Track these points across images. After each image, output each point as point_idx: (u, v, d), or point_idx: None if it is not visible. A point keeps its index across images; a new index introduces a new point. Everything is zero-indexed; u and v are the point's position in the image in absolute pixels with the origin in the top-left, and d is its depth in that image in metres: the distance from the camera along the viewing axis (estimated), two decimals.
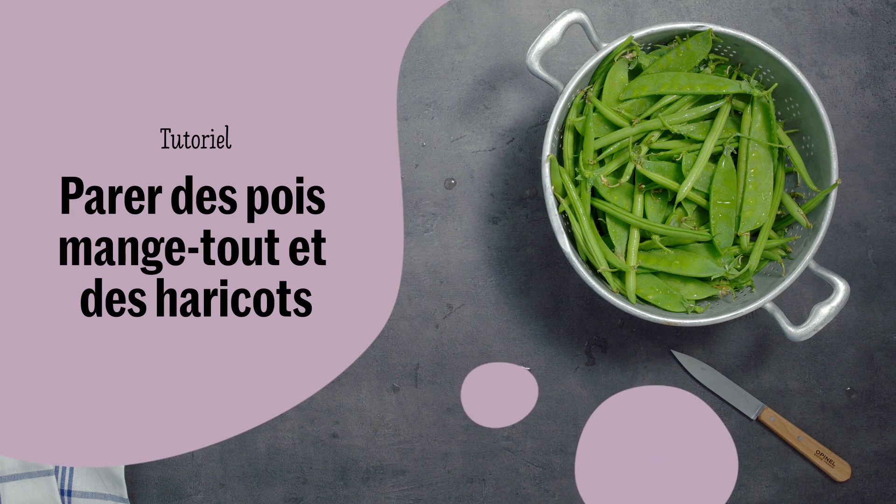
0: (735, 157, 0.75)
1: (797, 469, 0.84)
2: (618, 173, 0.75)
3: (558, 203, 0.75)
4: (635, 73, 0.76)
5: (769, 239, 0.75)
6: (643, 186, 0.75)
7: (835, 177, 0.73)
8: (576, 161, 0.76)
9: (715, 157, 0.75)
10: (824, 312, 0.71)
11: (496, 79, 0.85)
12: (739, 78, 0.76)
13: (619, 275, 0.76)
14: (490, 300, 0.84)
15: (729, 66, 0.77)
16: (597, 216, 0.77)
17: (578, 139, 0.76)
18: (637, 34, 0.73)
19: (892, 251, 0.85)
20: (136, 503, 0.84)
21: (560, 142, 0.77)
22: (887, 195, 0.85)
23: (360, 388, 0.84)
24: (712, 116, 0.75)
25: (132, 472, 0.83)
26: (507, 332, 0.84)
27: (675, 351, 0.84)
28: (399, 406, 0.84)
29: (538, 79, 0.80)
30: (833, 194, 0.73)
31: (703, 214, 0.76)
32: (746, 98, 0.75)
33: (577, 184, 0.75)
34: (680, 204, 0.75)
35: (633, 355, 0.84)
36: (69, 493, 0.82)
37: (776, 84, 0.75)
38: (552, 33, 0.72)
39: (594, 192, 0.76)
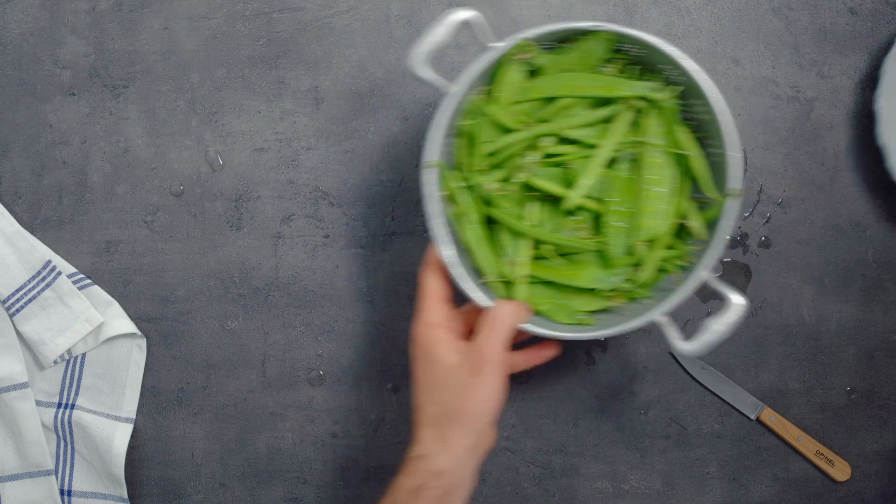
0: (638, 162, 0.71)
1: (797, 469, 0.84)
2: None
3: (448, 209, 0.71)
4: (539, 72, 0.72)
5: (671, 249, 0.71)
6: (534, 193, 0.71)
7: (734, 185, 0.68)
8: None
9: (617, 163, 0.71)
10: (716, 328, 0.66)
11: None
12: (650, 78, 0.72)
13: (512, 286, 0.71)
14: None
15: (640, 66, 0.72)
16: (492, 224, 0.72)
17: (475, 144, 0.71)
18: (528, 34, 0.69)
19: (892, 251, 0.85)
20: (136, 503, 0.84)
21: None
22: (887, 195, 0.85)
23: (360, 388, 0.84)
24: (618, 120, 0.71)
25: (132, 472, 0.83)
26: None
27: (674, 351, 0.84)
28: (399, 406, 0.84)
29: (425, 82, 0.70)
30: (733, 205, 0.68)
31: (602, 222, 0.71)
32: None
33: (467, 190, 0.71)
34: (577, 211, 0.71)
35: (633, 355, 0.84)
36: (69, 493, 0.82)
37: (682, 87, 0.70)
38: (436, 35, 0.67)
39: (491, 200, 0.71)
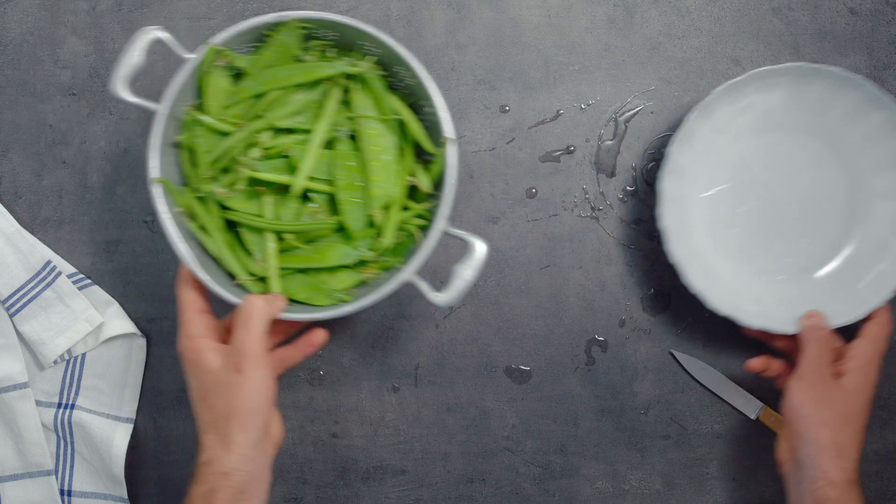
0: (358, 136, 0.74)
1: None
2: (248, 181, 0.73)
3: (189, 222, 0.73)
4: (244, 74, 0.74)
5: (408, 210, 0.74)
6: (262, 189, 0.73)
7: (447, 134, 0.71)
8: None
9: (339, 142, 0.74)
10: (463, 273, 0.69)
11: (496, 79, 0.85)
12: (351, 56, 0.74)
13: (266, 281, 0.73)
14: (490, 300, 0.84)
15: (334, 48, 0.75)
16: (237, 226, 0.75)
17: (197, 155, 0.73)
18: (216, 40, 0.71)
19: None
20: (136, 503, 0.84)
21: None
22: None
23: (360, 388, 0.84)
24: (327, 101, 0.74)
25: (132, 472, 0.83)
26: (507, 332, 0.84)
27: (674, 351, 0.84)
28: (399, 406, 0.84)
29: (132, 105, 0.71)
30: (452, 153, 0.71)
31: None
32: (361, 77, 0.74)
33: (200, 201, 0.72)
34: (310, 197, 0.74)
35: (633, 355, 0.84)
36: (69, 493, 0.82)
37: (376, 58, 0.73)
38: (132, 58, 0.70)
39: (226, 204, 0.73)
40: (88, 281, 0.83)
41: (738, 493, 0.84)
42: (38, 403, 0.82)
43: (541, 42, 0.85)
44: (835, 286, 0.80)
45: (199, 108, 0.74)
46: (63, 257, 0.83)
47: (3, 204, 0.83)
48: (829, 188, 0.81)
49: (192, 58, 0.71)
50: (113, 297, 0.83)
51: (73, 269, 0.83)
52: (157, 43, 0.72)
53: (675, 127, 0.85)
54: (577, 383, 0.84)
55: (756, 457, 0.84)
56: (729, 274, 0.81)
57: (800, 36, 0.85)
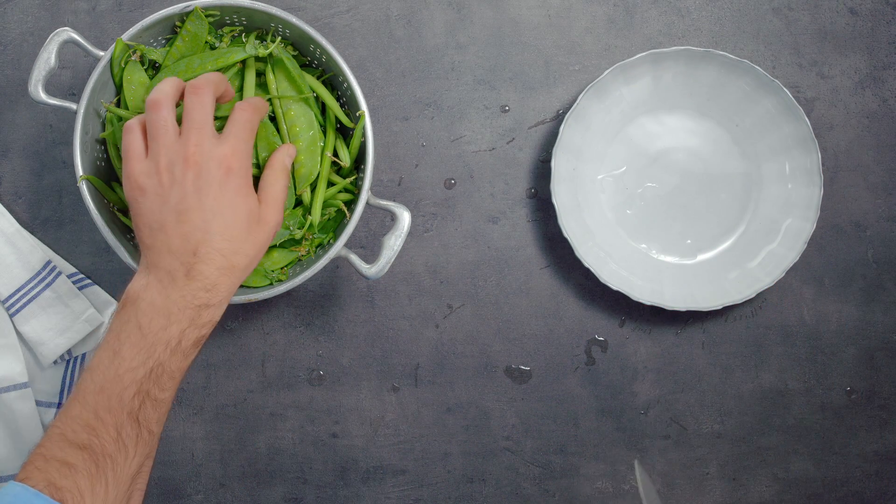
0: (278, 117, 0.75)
1: (797, 469, 0.84)
2: None
3: (122, 216, 0.75)
4: (162, 67, 0.75)
5: (333, 186, 0.75)
6: None
7: (362, 106, 0.73)
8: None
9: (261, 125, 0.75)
10: (391, 243, 0.71)
11: (496, 79, 0.85)
12: (262, 40, 0.75)
13: None
14: (490, 300, 0.84)
15: (247, 32, 0.76)
16: None
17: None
18: (123, 36, 0.72)
19: (892, 251, 0.85)
20: None
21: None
22: (887, 195, 0.85)
23: (360, 388, 0.84)
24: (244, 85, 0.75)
25: None
26: (507, 332, 0.84)
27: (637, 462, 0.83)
28: (399, 406, 0.84)
29: (49, 106, 0.73)
30: (367, 126, 0.73)
31: None
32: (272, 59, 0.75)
33: None
34: None
35: (633, 355, 0.85)
36: None
37: (280, 38, 0.74)
38: (47, 61, 0.71)
39: None
40: (88, 281, 0.83)
41: (738, 493, 0.84)
42: (38, 403, 0.82)
43: (541, 42, 0.85)
44: (728, 265, 0.83)
45: (120, 103, 0.75)
46: (63, 257, 0.83)
47: (3, 204, 0.83)
48: (727, 171, 0.83)
49: (104, 55, 0.72)
50: (113, 297, 0.83)
51: (73, 269, 0.83)
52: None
53: None
54: (577, 383, 0.84)
55: (756, 457, 0.84)
56: (624, 251, 0.83)
57: (800, 36, 0.85)
